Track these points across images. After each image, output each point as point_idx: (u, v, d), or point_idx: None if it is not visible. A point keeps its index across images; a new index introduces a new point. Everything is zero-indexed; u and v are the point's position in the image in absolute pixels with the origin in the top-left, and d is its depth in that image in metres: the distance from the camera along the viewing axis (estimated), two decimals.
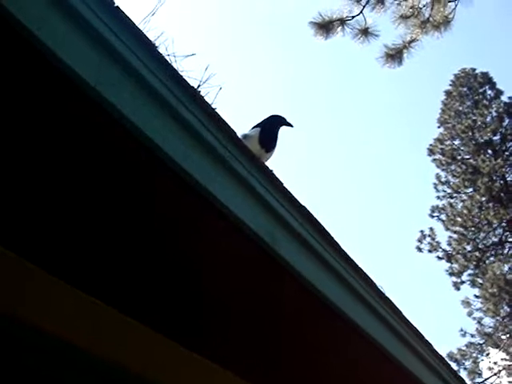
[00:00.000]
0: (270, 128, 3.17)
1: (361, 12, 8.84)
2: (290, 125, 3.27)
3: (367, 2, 8.89)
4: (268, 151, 3.07)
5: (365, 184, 32.92)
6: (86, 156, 1.88)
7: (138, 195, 2.03)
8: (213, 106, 1.98)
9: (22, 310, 2.35)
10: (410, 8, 8.92)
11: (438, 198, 22.58)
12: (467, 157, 22.34)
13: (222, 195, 2.00)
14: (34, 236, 2.29)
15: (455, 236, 21.67)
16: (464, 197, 22.10)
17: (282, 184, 2.34)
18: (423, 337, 3.41)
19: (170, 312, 2.75)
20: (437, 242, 21.43)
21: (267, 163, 2.98)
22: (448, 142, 22.91)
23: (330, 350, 3.05)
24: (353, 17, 8.88)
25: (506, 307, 20.46)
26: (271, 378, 3.43)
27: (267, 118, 3.24)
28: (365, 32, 8.83)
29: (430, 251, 21.36)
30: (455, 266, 21.37)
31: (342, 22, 8.89)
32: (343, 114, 32.00)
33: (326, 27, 8.80)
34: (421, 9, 8.93)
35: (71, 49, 1.57)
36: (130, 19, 1.70)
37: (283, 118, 3.26)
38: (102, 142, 1.82)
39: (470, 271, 21.31)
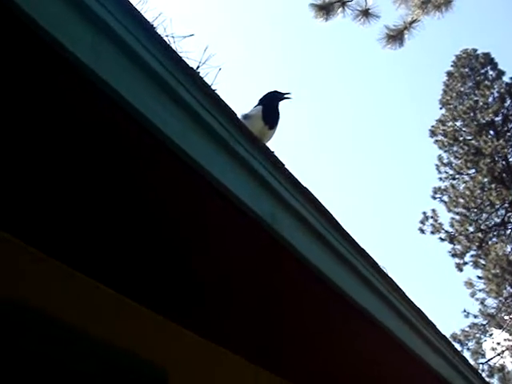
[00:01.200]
0: (271, 104, 3.17)
1: None
2: (288, 97, 3.25)
3: None
4: (272, 128, 3.07)
5: (367, 166, 32.85)
6: (86, 139, 1.88)
7: (139, 178, 2.02)
8: (212, 87, 1.96)
9: (25, 295, 2.36)
10: None
11: (441, 179, 22.54)
12: (469, 138, 22.26)
13: (223, 177, 1.99)
14: (33, 219, 2.29)
15: (458, 217, 21.65)
16: (466, 178, 22.05)
17: (284, 165, 2.33)
18: (426, 317, 3.42)
19: (171, 294, 2.75)
20: (439, 223, 21.42)
21: (269, 143, 2.97)
22: (450, 123, 22.82)
23: (330, 330, 3.06)
24: None
25: (508, 288, 20.49)
26: (270, 357, 3.45)
27: (265, 96, 3.23)
28: (365, 13, 8.75)
29: (432, 233, 21.35)
30: (458, 247, 21.38)
31: (343, 3, 8.81)
32: (344, 96, 31.87)
33: (326, 9, 8.73)
34: None
35: (69, 31, 1.56)
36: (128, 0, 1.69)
37: (280, 93, 3.25)
38: (102, 124, 1.81)
39: (472, 252, 21.32)
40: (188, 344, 3.09)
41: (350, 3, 8.83)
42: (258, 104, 3.16)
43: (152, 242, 2.36)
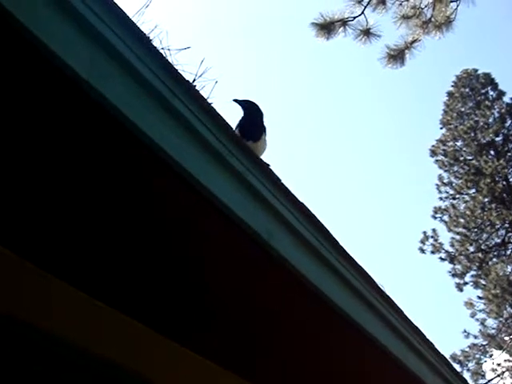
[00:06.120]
0: (250, 117, 3.06)
1: (362, 12, 8.83)
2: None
3: (368, 3, 8.88)
4: (256, 140, 2.98)
5: (367, 185, 32.87)
6: (80, 150, 1.86)
7: (132, 190, 2.01)
8: (209, 101, 1.95)
9: (21, 310, 2.33)
10: (412, 8, 8.91)
11: (441, 199, 22.57)
12: (470, 158, 22.31)
13: (218, 190, 1.97)
14: (30, 234, 2.27)
15: (458, 237, 21.62)
16: (467, 198, 22.05)
17: (280, 180, 2.31)
18: (425, 336, 3.38)
19: (163, 309, 2.72)
20: (439, 243, 21.39)
21: (263, 156, 2.94)
22: (450, 143, 22.89)
23: (326, 346, 3.02)
24: (354, 17, 8.87)
25: (508, 308, 20.41)
26: (265, 373, 3.40)
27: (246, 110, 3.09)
28: (366, 32, 8.82)
29: (432, 252, 21.32)
30: (458, 267, 21.33)
31: (344, 22, 8.88)
32: (345, 113, 31.97)
33: (327, 28, 8.79)
34: (422, 9, 8.92)
35: (64, 41, 1.56)
36: (123, 11, 1.68)
37: (257, 110, 3.12)
38: (96, 135, 1.80)
39: (472, 272, 21.28)
40: (176, 357, 3.05)
41: (351, 23, 8.89)
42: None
43: (143, 256, 2.34)
